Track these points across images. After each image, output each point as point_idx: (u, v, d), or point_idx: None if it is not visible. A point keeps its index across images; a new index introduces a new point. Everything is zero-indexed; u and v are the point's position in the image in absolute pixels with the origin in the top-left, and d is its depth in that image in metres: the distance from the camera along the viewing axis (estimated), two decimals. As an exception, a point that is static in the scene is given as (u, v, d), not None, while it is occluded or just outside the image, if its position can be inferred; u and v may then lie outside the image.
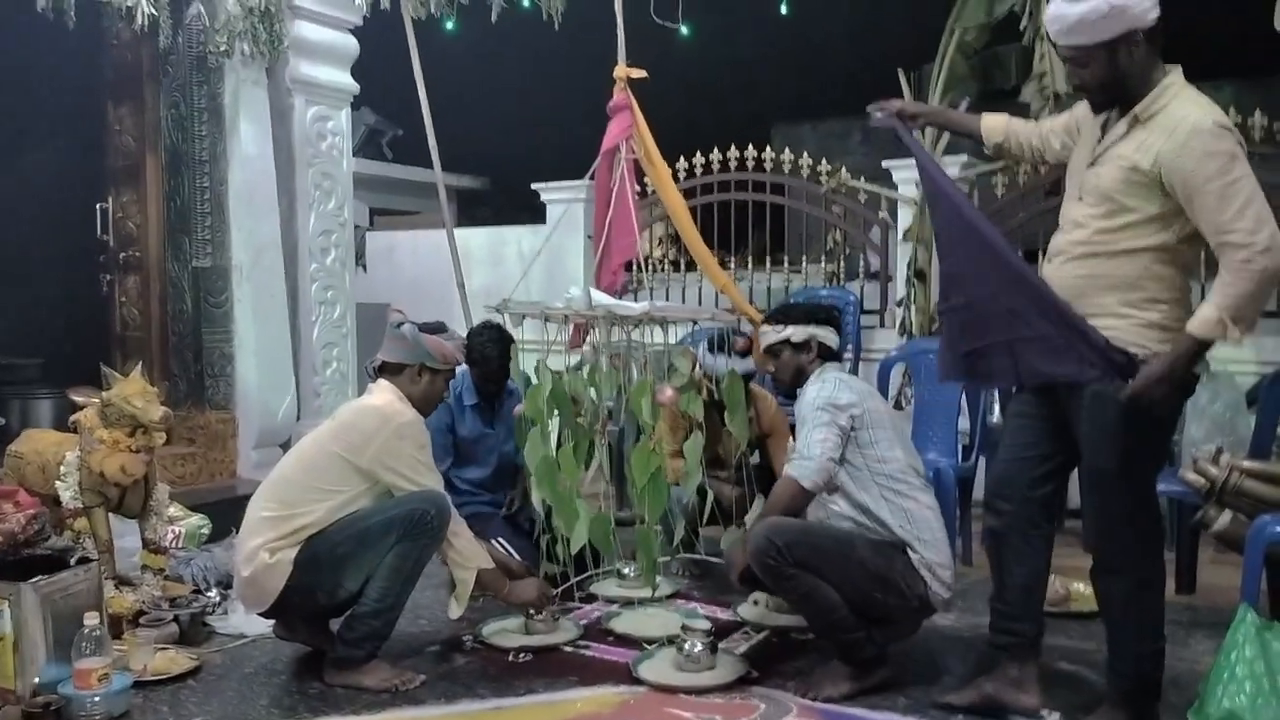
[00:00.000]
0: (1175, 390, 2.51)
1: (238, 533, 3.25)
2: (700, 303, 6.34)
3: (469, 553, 3.24)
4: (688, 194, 6.40)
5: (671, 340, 3.82)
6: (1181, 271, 2.55)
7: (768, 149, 6.54)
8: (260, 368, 5.31)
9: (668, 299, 6.56)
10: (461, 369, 4.16)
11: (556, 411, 3.53)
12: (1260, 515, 3.21)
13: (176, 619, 3.44)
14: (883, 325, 6.13)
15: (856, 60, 7.90)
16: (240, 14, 5.03)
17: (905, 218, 5.97)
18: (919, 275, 5.75)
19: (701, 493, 3.68)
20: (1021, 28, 5.61)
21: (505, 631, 3.52)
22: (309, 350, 5.55)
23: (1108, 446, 2.59)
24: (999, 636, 2.86)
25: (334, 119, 5.64)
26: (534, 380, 3.65)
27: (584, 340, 4.02)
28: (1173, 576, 4.01)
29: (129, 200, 5.59)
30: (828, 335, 3.26)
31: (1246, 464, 3.41)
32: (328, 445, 3.16)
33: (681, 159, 6.65)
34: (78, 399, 3.68)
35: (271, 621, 3.28)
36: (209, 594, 3.72)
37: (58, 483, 3.60)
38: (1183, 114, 2.47)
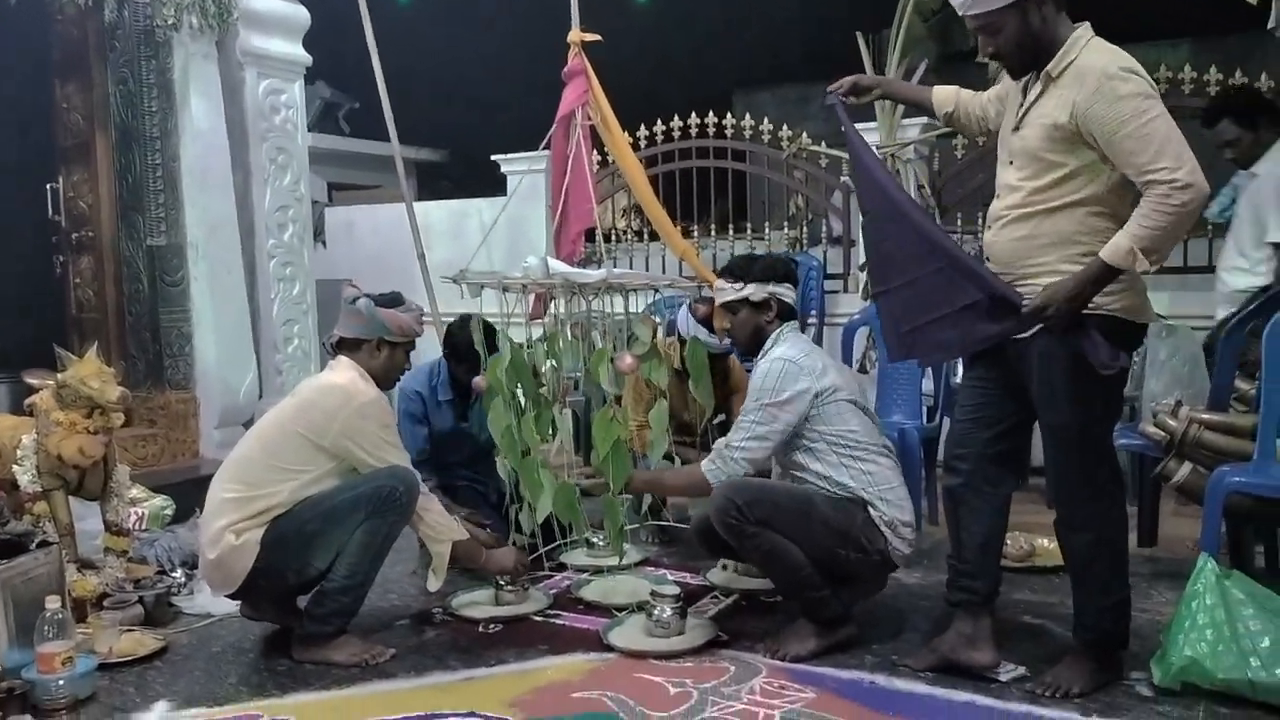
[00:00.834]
0: (1077, 311, 2.50)
1: (201, 513, 3.22)
2: (664, 272, 6.33)
3: (441, 527, 3.23)
4: (649, 162, 6.37)
5: (634, 309, 3.80)
6: (1116, 222, 2.55)
7: (728, 116, 6.51)
8: (220, 346, 5.26)
9: (631, 268, 6.55)
10: (435, 362, 4.12)
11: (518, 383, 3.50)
12: (1219, 467, 3.25)
13: (141, 600, 3.41)
14: (846, 290, 6.14)
15: (816, 26, 7.87)
16: (187, -14, 4.93)
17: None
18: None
19: (669, 459, 3.69)
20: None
21: (475, 603, 3.52)
22: (269, 327, 5.50)
23: (1060, 404, 2.63)
24: (954, 593, 2.90)
25: (287, 92, 5.56)
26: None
27: (545, 311, 4.00)
28: (1135, 529, 4.08)
29: (80, 179, 5.50)
30: (787, 293, 3.22)
31: (1205, 416, 3.45)
32: (289, 425, 3.13)
33: (642, 127, 6.62)
34: (33, 382, 3.64)
35: (238, 601, 3.26)
36: (174, 575, 3.70)
37: (15, 466, 3.55)
38: (1089, 62, 2.49)
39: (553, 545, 3.83)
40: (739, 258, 3.39)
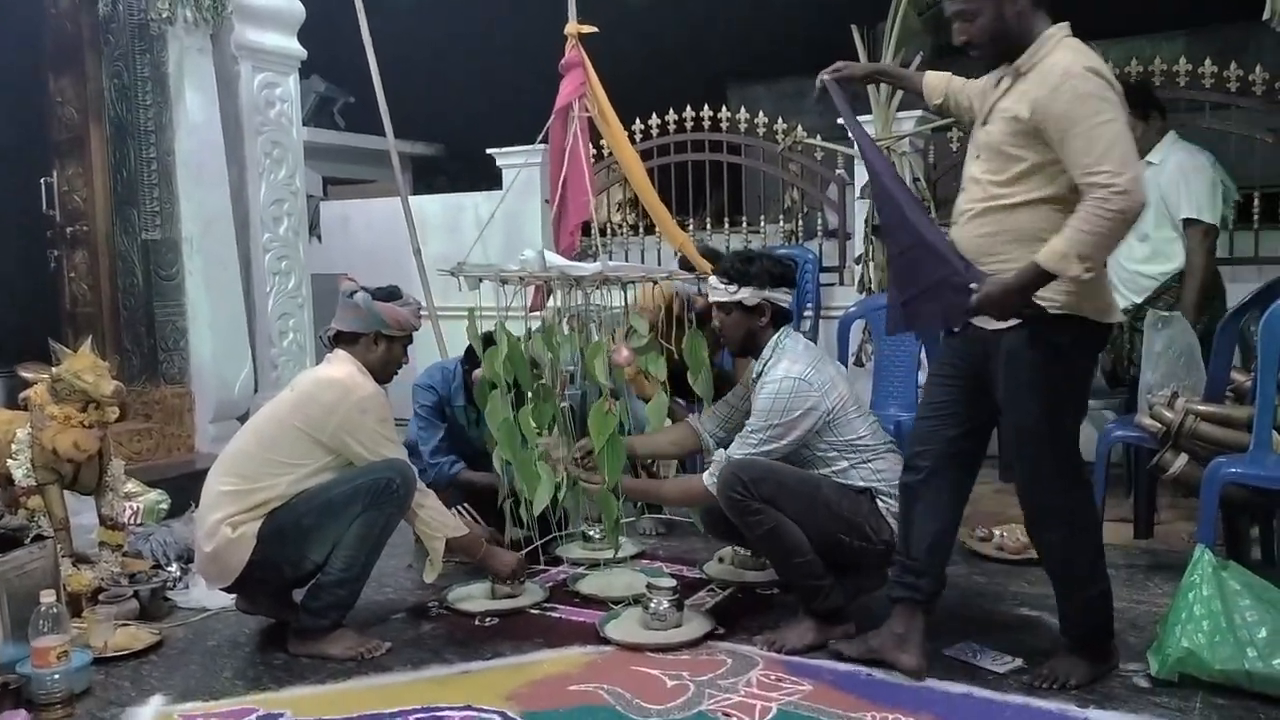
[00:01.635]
0: (1021, 305, 2.49)
1: (196, 507, 3.21)
2: (661, 264, 6.32)
3: (437, 522, 3.23)
4: (645, 155, 6.35)
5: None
6: None
7: (724, 109, 6.51)
8: (215, 340, 5.24)
9: (627, 261, 6.54)
10: (452, 365, 4.09)
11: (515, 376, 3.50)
12: (1215, 458, 3.25)
13: (136, 594, 3.41)
14: (842, 282, 6.13)
15: (811, 19, 7.83)
16: (181, -21, 4.91)
17: (862, 175, 5.96)
18: (876, 231, 5.75)
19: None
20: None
21: (471, 596, 3.52)
22: (265, 322, 5.47)
23: (1026, 402, 2.62)
24: (895, 589, 2.88)
25: (282, 85, 5.53)
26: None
27: (544, 303, 3.98)
28: (1131, 522, 4.08)
29: (74, 173, 5.47)
30: (783, 298, 3.17)
31: (1201, 407, 3.45)
32: (287, 419, 3.12)
33: (638, 120, 6.62)
34: (27, 376, 3.63)
35: (233, 595, 3.25)
36: (169, 569, 3.69)
37: (10, 461, 3.54)
38: (1055, 60, 2.49)
39: (548, 538, 3.82)
40: (736, 256, 3.33)
